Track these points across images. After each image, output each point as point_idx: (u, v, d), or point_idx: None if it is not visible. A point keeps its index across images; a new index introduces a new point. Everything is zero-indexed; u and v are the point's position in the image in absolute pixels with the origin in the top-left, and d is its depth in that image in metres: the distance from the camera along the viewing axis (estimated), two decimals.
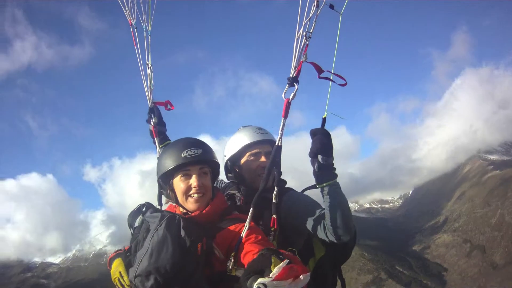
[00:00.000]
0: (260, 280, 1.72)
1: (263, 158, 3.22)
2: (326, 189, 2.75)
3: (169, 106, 4.15)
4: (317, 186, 2.78)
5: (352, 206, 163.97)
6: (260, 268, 1.86)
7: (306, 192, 3.30)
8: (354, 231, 2.88)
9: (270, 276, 1.73)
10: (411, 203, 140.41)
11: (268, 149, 3.24)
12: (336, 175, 2.78)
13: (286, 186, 3.27)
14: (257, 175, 3.19)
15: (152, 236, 2.32)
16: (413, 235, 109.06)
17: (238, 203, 3.26)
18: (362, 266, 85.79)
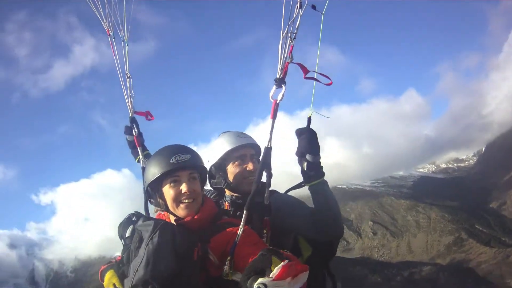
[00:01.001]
0: (260, 280, 1.74)
1: (249, 161, 3.23)
2: (315, 188, 2.83)
3: (149, 117, 4.17)
4: (306, 185, 2.86)
5: (430, 167, 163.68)
6: (260, 268, 1.88)
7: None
8: (342, 228, 2.97)
9: (270, 276, 1.74)
10: (485, 159, 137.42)
11: (252, 152, 3.28)
12: (323, 173, 2.86)
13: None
14: (244, 178, 3.20)
15: (147, 245, 2.29)
16: (490, 192, 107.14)
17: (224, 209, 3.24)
18: (444, 228, 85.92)
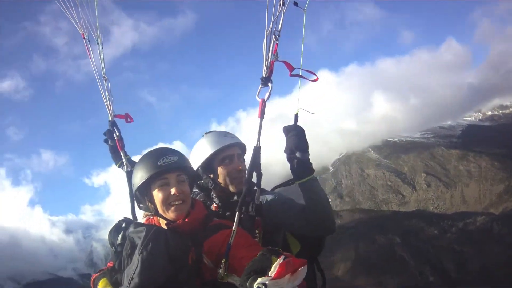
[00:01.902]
0: (259, 280, 1.74)
1: (236, 161, 3.22)
2: (305, 185, 2.83)
3: (128, 119, 4.10)
4: (296, 182, 2.86)
5: (476, 115, 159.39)
6: (260, 268, 1.87)
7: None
8: (333, 224, 2.96)
9: (270, 275, 1.75)
10: None
11: (239, 151, 3.28)
12: (313, 170, 2.86)
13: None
14: (233, 178, 3.20)
15: (141, 252, 2.25)
16: None
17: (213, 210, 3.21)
18: (494, 176, 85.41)
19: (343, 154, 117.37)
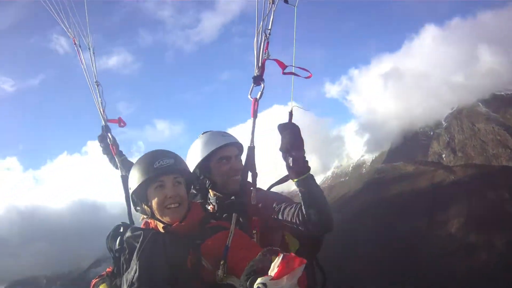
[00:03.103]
0: (259, 280, 1.74)
1: (234, 161, 3.20)
2: (301, 183, 2.77)
3: (121, 124, 4.09)
4: (292, 180, 2.81)
5: None
6: (260, 268, 1.88)
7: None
8: (331, 221, 2.90)
9: (269, 274, 1.75)
10: None
11: (236, 152, 3.26)
12: (309, 168, 2.81)
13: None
14: (230, 178, 3.17)
15: (139, 256, 2.26)
16: None
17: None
18: None
19: (454, 109, 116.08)
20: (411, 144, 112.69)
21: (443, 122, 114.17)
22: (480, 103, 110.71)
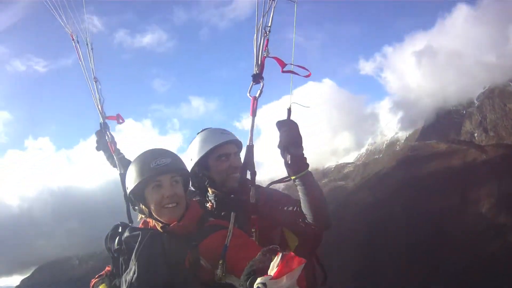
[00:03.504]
0: (259, 280, 1.74)
1: (233, 159, 3.19)
2: (299, 180, 2.76)
3: (120, 120, 4.07)
4: (291, 178, 2.80)
5: None
6: (260, 268, 1.88)
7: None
8: (329, 219, 2.94)
9: (269, 274, 1.76)
10: None
11: (235, 149, 3.25)
12: (308, 165, 2.80)
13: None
14: (229, 176, 3.15)
15: (137, 257, 2.26)
16: None
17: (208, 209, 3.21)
18: None
19: (486, 88, 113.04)
20: (444, 122, 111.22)
21: (475, 101, 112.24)
22: (511, 83, 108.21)
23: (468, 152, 74.70)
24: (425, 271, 54.02)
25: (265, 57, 2.47)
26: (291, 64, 2.56)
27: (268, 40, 2.44)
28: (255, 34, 2.42)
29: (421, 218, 62.78)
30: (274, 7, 2.41)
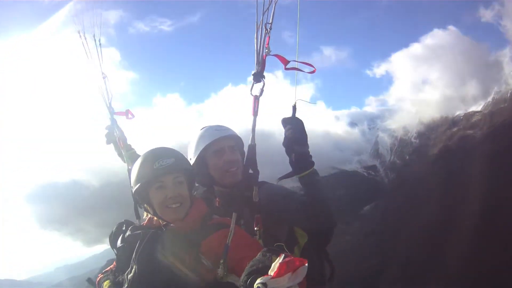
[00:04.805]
0: (259, 279, 1.71)
1: (228, 153, 3.16)
2: (304, 178, 2.75)
3: (129, 116, 4.03)
4: (296, 176, 2.78)
5: None
6: (260, 268, 1.85)
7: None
8: (334, 218, 2.90)
9: (269, 274, 1.72)
10: None
11: (231, 143, 3.20)
12: (313, 163, 2.78)
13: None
14: (225, 171, 3.14)
15: (138, 257, 2.27)
16: None
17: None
18: None
19: None
20: None
21: None
22: None
23: None
24: None
25: (266, 55, 2.41)
26: (295, 61, 2.52)
27: (269, 37, 2.38)
28: (256, 32, 2.36)
29: None
30: (275, 3, 2.34)
